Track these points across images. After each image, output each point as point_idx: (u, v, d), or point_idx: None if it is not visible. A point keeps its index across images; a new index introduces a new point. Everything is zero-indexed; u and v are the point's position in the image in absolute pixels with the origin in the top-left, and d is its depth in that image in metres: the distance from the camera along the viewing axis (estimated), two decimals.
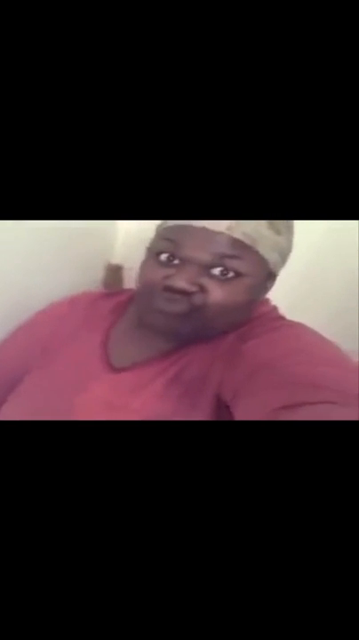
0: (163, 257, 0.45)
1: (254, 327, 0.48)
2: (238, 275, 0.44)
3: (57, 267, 0.73)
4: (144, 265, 0.48)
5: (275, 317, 0.51)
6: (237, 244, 0.43)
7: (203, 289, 0.43)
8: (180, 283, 0.42)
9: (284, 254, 0.48)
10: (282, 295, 0.56)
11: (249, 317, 0.49)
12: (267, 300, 0.54)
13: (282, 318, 0.51)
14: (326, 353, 0.41)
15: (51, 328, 0.58)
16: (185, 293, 0.43)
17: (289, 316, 0.52)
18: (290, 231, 0.48)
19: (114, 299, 0.61)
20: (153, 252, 0.47)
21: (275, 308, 0.54)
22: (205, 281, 0.43)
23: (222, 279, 0.43)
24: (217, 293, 0.43)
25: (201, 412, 0.43)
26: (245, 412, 0.40)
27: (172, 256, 0.45)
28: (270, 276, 0.49)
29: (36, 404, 0.50)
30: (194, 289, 0.43)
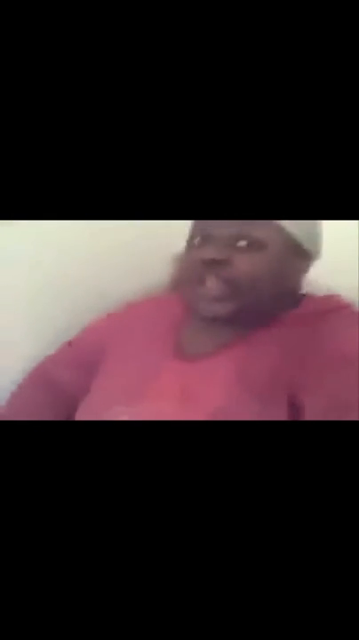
0: (197, 240, 0.50)
1: (329, 321, 0.49)
2: (262, 245, 0.46)
3: (128, 265, 0.75)
4: (184, 253, 0.53)
5: (351, 313, 0.52)
6: (258, 220, 0.46)
7: (229, 261, 0.46)
8: (208, 253, 0.46)
9: (310, 231, 0.50)
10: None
11: (295, 293, 0.52)
12: (336, 297, 0.54)
13: (347, 313, 0.52)
14: None
15: (128, 323, 0.62)
16: (214, 263, 0.46)
17: None
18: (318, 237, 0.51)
19: (176, 302, 0.62)
20: (189, 243, 0.52)
21: (350, 305, 0.53)
22: (232, 252, 0.46)
23: (248, 250, 0.46)
24: (242, 262, 0.46)
25: (271, 407, 0.44)
26: (316, 408, 0.42)
27: (203, 237, 0.49)
28: (300, 252, 0.50)
29: (114, 389, 0.53)
30: (221, 257, 0.46)
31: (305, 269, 0.53)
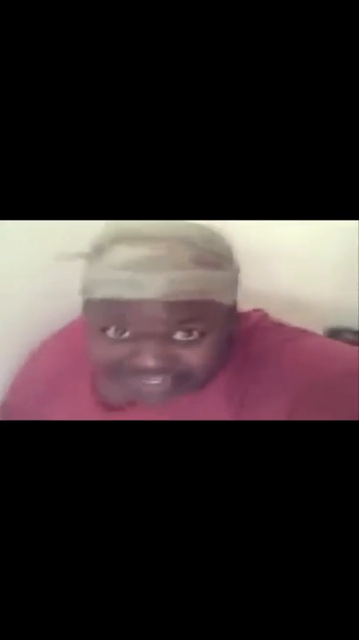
0: (111, 332, 0.40)
1: (253, 344, 0.45)
2: (203, 331, 0.40)
3: None
4: (91, 340, 0.42)
5: (271, 328, 0.48)
6: (184, 305, 0.38)
7: (176, 360, 0.39)
8: (152, 363, 0.38)
9: (233, 283, 0.44)
10: (281, 295, 0.55)
11: (229, 348, 0.45)
12: (255, 311, 0.50)
13: (278, 328, 0.48)
14: (342, 365, 0.41)
15: (46, 369, 0.56)
16: (158, 371, 0.39)
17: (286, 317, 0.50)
18: (227, 255, 0.43)
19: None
20: (95, 328, 0.41)
21: (265, 316, 0.50)
22: (174, 350, 0.39)
23: (189, 342, 0.39)
24: (193, 358, 0.39)
25: None
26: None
27: (122, 331, 0.40)
28: (232, 309, 0.45)
29: None
30: (165, 364, 0.39)
31: (236, 313, 0.47)
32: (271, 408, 0.40)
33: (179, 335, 0.39)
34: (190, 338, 0.39)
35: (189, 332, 0.39)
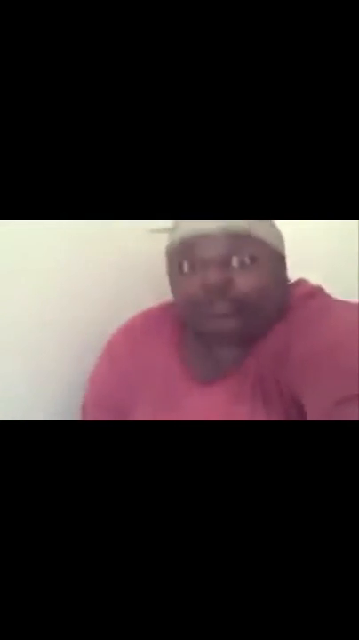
0: (186, 266, 0.51)
1: (299, 312, 0.52)
2: (253, 259, 0.49)
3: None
4: (173, 283, 0.55)
5: (318, 298, 0.55)
6: (237, 236, 0.49)
7: (232, 281, 0.49)
8: (212, 278, 0.48)
9: (278, 236, 0.54)
10: None
11: (288, 299, 0.54)
12: (305, 282, 0.58)
13: (325, 298, 0.55)
14: None
15: (131, 359, 0.61)
16: (219, 287, 0.48)
17: None
18: (276, 225, 0.54)
19: (170, 312, 0.63)
20: (175, 269, 0.53)
21: (316, 288, 0.57)
22: (232, 274, 0.49)
23: (243, 268, 0.49)
24: (246, 279, 0.49)
25: (282, 416, 0.47)
26: (311, 406, 0.44)
27: (192, 265, 0.51)
28: (280, 258, 0.54)
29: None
30: (224, 279, 0.48)
31: (286, 273, 0.56)
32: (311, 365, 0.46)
33: (234, 262, 0.49)
34: (244, 265, 0.49)
35: (242, 259, 0.49)
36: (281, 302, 0.53)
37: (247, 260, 0.49)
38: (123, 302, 0.72)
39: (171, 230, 0.55)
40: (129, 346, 0.62)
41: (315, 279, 0.58)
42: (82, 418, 0.65)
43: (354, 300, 0.53)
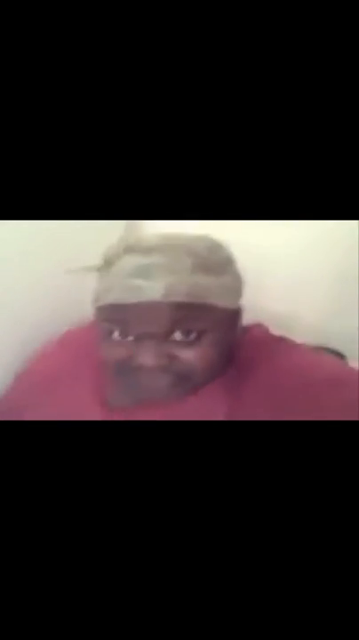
0: (116, 335, 0.43)
1: (251, 356, 0.47)
2: (200, 333, 0.42)
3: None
4: (101, 345, 0.45)
5: (270, 341, 0.50)
6: (182, 306, 0.41)
7: (174, 358, 0.41)
8: (150, 361, 0.40)
9: (235, 290, 0.47)
10: (281, 294, 0.56)
11: (230, 356, 0.47)
12: (256, 326, 0.53)
13: (277, 341, 0.51)
14: (331, 373, 0.43)
15: (46, 373, 0.57)
16: (160, 369, 0.41)
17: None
18: (229, 265, 0.46)
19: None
20: (103, 331, 0.44)
21: (266, 331, 0.53)
22: (172, 349, 0.41)
23: (187, 342, 0.42)
24: (192, 358, 0.42)
25: None
26: None
27: (125, 333, 0.43)
28: (234, 315, 0.47)
29: None
30: (164, 362, 0.41)
31: (239, 327, 0.50)
32: (262, 410, 0.42)
33: (177, 336, 0.41)
34: (188, 338, 0.41)
35: (187, 332, 0.41)
36: (228, 357, 0.46)
37: (193, 334, 0.41)
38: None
39: (100, 273, 0.45)
40: (46, 361, 0.58)
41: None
42: None
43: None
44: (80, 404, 0.50)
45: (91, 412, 0.49)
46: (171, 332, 0.41)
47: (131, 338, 0.42)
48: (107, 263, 0.44)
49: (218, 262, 0.44)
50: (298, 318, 0.60)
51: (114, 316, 0.43)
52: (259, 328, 0.53)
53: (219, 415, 0.43)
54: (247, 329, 0.52)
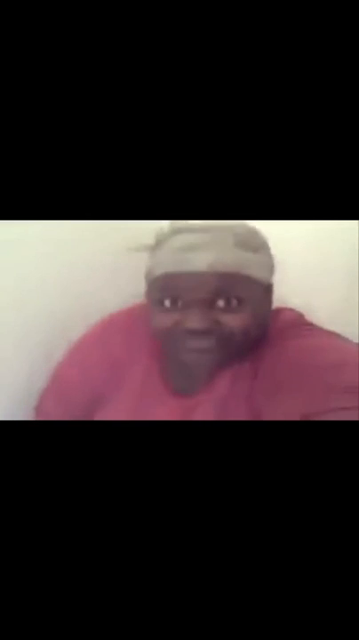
0: (167, 303, 0.48)
1: (279, 337, 0.52)
2: (240, 300, 0.47)
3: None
4: (152, 315, 0.51)
5: (297, 326, 0.54)
6: (224, 275, 0.46)
7: (218, 323, 0.47)
8: (197, 324, 0.46)
9: (269, 267, 0.52)
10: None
11: (267, 330, 0.52)
12: (288, 310, 0.57)
13: (306, 325, 0.55)
14: (350, 356, 0.45)
15: (103, 364, 0.59)
16: (203, 332, 0.46)
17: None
18: (263, 245, 0.52)
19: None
20: (155, 301, 0.50)
21: (300, 316, 0.56)
22: (216, 315, 0.47)
23: (229, 309, 0.47)
24: (231, 320, 0.47)
25: None
26: (274, 417, 0.43)
27: (175, 301, 0.48)
28: (268, 289, 0.53)
29: None
30: (209, 325, 0.46)
31: (271, 304, 0.55)
32: (273, 386, 0.47)
33: (220, 303, 0.47)
34: (230, 306, 0.47)
35: (228, 300, 0.47)
36: (262, 333, 0.52)
37: (234, 301, 0.47)
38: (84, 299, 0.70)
39: (152, 251, 0.52)
40: (102, 350, 0.60)
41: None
42: (35, 418, 0.62)
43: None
44: (151, 393, 0.55)
45: (163, 399, 0.53)
46: (215, 299, 0.47)
47: (180, 305, 0.48)
48: (159, 242, 0.50)
49: (254, 241, 0.50)
50: (311, 312, 0.60)
51: (165, 285, 0.48)
52: (290, 312, 0.57)
53: (248, 395, 0.48)
54: (279, 310, 0.57)
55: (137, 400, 0.55)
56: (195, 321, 0.46)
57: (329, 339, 0.51)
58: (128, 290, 0.66)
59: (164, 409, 0.52)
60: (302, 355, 0.47)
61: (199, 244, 0.46)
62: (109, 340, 0.60)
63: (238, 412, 0.48)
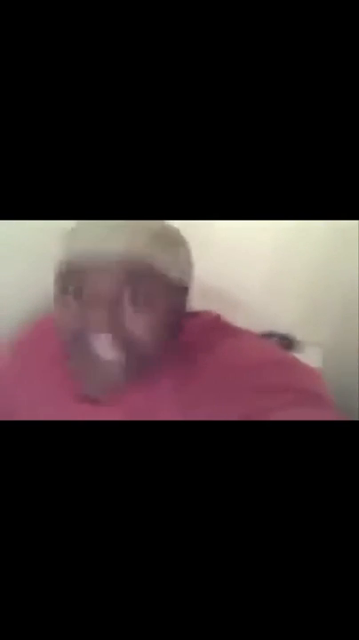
0: (71, 298, 0.45)
1: (199, 340, 0.49)
2: (149, 299, 0.43)
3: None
4: (56, 311, 0.47)
5: (218, 327, 0.52)
6: (135, 269, 0.43)
7: (120, 321, 0.43)
8: (97, 318, 0.42)
9: (186, 268, 0.49)
10: (289, 295, 0.56)
11: (177, 335, 0.49)
12: (206, 313, 0.55)
13: (225, 327, 0.53)
14: (275, 356, 0.45)
15: (13, 373, 0.58)
16: (105, 328, 0.43)
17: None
18: (184, 246, 0.49)
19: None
20: (59, 294, 0.46)
21: (217, 317, 0.54)
22: (122, 318, 0.43)
23: (136, 308, 0.43)
24: (136, 321, 0.43)
25: None
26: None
27: (79, 295, 0.44)
28: (182, 291, 0.49)
29: None
30: (114, 324, 0.43)
31: (186, 305, 0.51)
32: (211, 395, 0.44)
33: (126, 301, 0.43)
34: (137, 304, 0.43)
35: (135, 295, 0.43)
36: (174, 335, 0.48)
37: (141, 299, 0.43)
38: None
39: (63, 241, 0.48)
40: (13, 359, 0.59)
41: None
42: None
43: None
44: (50, 396, 0.53)
45: (60, 402, 0.51)
46: (121, 294, 0.43)
47: (84, 299, 0.44)
48: (74, 231, 0.46)
49: (172, 239, 0.47)
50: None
51: (71, 277, 0.44)
52: (208, 314, 0.54)
53: (171, 403, 0.45)
54: (196, 314, 0.54)
55: (46, 406, 0.52)
56: (95, 316, 0.42)
57: (252, 339, 0.50)
58: None
59: (74, 416, 0.49)
60: (233, 356, 0.45)
61: (112, 235, 0.43)
62: (19, 351, 0.59)
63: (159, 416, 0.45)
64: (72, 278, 0.44)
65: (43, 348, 0.57)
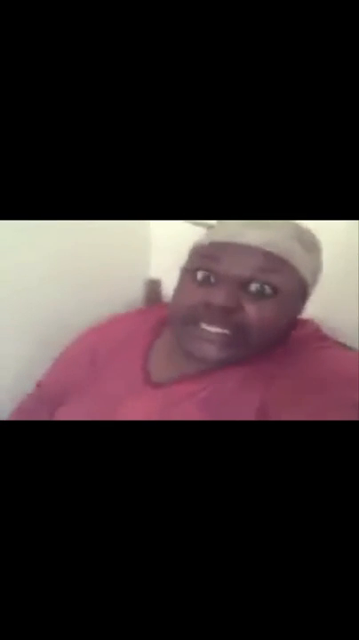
0: (200, 275, 0.46)
1: (297, 349, 0.49)
2: (275, 291, 0.44)
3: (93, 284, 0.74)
4: (180, 285, 0.49)
5: (318, 338, 0.52)
6: (274, 257, 0.44)
7: (240, 308, 0.44)
8: (220, 299, 0.43)
9: (315, 273, 0.49)
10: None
11: (286, 338, 0.50)
12: (310, 321, 0.54)
13: (325, 339, 0.53)
14: None
15: (94, 347, 0.60)
16: (225, 311, 0.43)
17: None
18: (318, 249, 0.49)
19: (152, 316, 0.61)
20: (189, 271, 0.48)
21: (318, 329, 0.54)
22: (243, 299, 0.44)
23: (259, 296, 0.44)
24: (254, 312, 0.44)
25: None
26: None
27: (209, 273, 0.46)
28: (305, 295, 0.49)
29: (81, 416, 0.52)
30: (233, 305, 0.43)
31: (302, 310, 0.51)
32: (288, 400, 0.44)
33: (253, 287, 0.44)
34: (263, 292, 0.44)
35: (263, 286, 0.44)
36: (284, 334, 0.48)
37: (268, 289, 0.44)
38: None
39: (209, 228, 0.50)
40: (94, 341, 0.61)
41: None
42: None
43: None
44: (126, 377, 0.54)
45: (135, 385, 0.52)
46: (251, 281, 0.44)
47: (213, 280, 0.45)
48: (221, 222, 0.48)
49: (312, 243, 0.48)
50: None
51: (207, 254, 0.46)
52: (311, 324, 0.54)
53: (253, 401, 0.45)
54: (300, 322, 0.53)
55: (107, 393, 0.53)
56: (220, 296, 0.43)
57: (346, 352, 0.49)
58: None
59: (134, 400, 0.50)
60: (324, 368, 0.45)
61: (258, 225, 0.44)
62: (86, 335, 0.62)
63: (242, 415, 0.45)
64: (207, 258, 0.46)
65: (114, 334, 0.60)
